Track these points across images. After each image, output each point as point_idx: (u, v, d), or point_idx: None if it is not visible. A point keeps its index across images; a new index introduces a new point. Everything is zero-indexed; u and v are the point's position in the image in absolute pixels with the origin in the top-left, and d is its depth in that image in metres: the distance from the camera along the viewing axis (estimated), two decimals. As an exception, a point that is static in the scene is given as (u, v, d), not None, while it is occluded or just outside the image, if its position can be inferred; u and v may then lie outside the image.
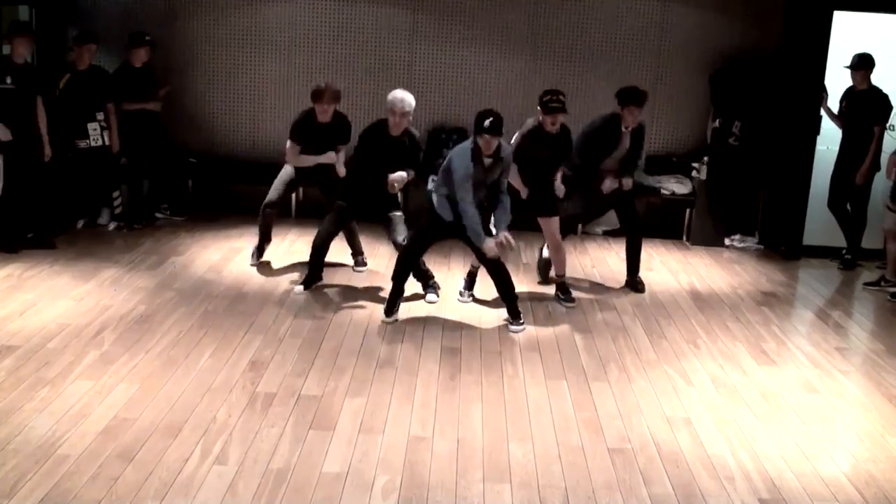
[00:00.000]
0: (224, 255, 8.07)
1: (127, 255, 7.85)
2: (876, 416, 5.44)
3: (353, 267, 7.80)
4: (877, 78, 8.62)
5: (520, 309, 6.64)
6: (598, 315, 7.02)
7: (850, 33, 8.83)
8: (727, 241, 9.43)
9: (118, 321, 6.24)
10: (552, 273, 7.47)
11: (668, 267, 8.56)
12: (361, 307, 6.87)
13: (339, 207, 7.19)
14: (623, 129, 7.40)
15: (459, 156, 6.35)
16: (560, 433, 4.93)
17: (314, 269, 7.21)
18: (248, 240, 8.54)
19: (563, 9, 9.58)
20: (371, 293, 7.22)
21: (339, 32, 9.60)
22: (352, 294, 7.18)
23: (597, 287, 7.78)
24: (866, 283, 8.24)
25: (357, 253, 7.85)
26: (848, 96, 8.69)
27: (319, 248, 7.16)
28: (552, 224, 7.24)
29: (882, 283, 8.09)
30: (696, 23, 9.59)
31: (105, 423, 4.70)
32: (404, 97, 6.95)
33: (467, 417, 5.05)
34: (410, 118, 7.05)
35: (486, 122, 6.23)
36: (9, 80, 7.60)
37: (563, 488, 4.34)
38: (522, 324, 6.59)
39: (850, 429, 5.23)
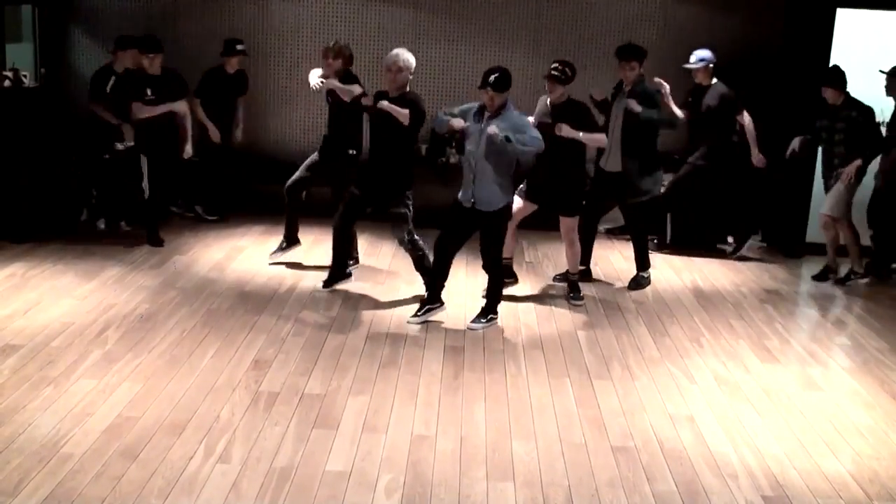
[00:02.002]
0: (227, 253, 8.07)
1: (130, 254, 7.85)
2: (879, 413, 5.43)
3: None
4: (879, 76, 8.62)
5: (496, 312, 6.59)
6: (601, 313, 7.02)
7: (852, 30, 8.81)
8: (729, 239, 9.41)
9: (121, 320, 6.25)
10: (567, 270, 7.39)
11: (671, 265, 8.55)
12: (365, 306, 6.87)
13: (350, 196, 7.04)
14: (623, 88, 7.57)
15: (470, 105, 6.51)
16: (563, 431, 4.93)
17: (339, 266, 7.20)
18: (251, 238, 8.57)
19: (565, 7, 9.58)
20: (374, 292, 7.22)
21: (340, 32, 9.59)
22: (355, 293, 7.18)
23: (600, 285, 7.78)
24: (814, 277, 8.25)
25: (351, 256, 7.71)
26: (694, 92, 8.64)
27: (341, 242, 7.13)
28: (569, 222, 7.18)
29: (852, 276, 8.14)
30: (697, 20, 9.58)
31: (109, 422, 4.71)
32: (397, 52, 6.85)
33: (470, 416, 5.06)
34: (408, 76, 6.85)
35: (491, 77, 6.20)
36: (149, 92, 7.92)
37: (566, 486, 4.34)
38: (486, 323, 6.53)
39: (854, 426, 5.22)
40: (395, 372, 5.63)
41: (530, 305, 7.06)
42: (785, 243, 9.15)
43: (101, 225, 8.69)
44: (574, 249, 7.29)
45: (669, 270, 8.34)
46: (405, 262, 8.09)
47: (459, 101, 9.60)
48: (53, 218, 8.41)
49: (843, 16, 8.80)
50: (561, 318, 6.85)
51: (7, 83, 8.67)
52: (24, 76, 8.85)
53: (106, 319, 6.25)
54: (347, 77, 7.40)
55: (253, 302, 6.81)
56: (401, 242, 7.06)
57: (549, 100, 7.01)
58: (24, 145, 8.26)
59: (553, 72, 6.85)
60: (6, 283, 6.89)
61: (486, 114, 6.34)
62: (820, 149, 8.26)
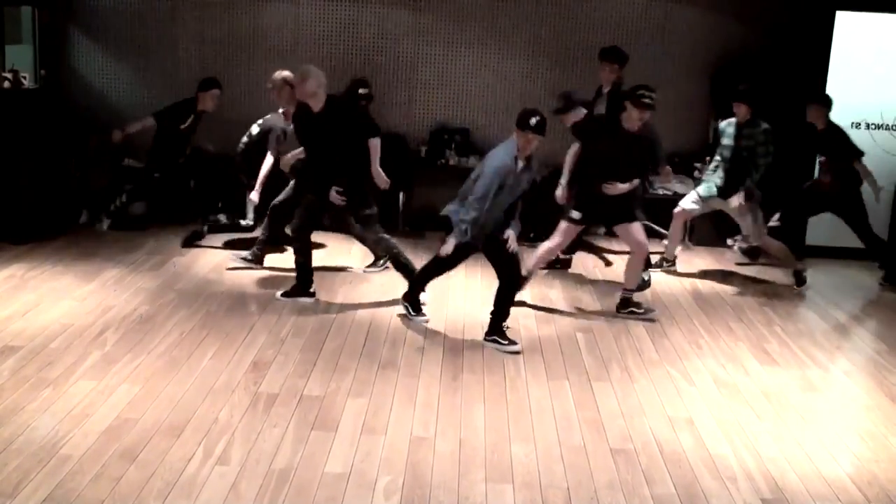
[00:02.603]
0: (226, 255, 8.07)
1: (129, 255, 7.85)
2: (879, 416, 5.43)
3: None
4: (878, 78, 8.65)
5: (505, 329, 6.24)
6: (599, 315, 7.02)
7: (852, 33, 8.82)
8: (729, 242, 9.41)
9: (120, 322, 6.25)
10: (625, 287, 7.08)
11: (669, 267, 8.55)
12: (364, 308, 6.87)
13: (308, 202, 6.91)
14: (603, 93, 7.59)
15: (503, 149, 6.03)
16: (562, 433, 4.93)
17: (305, 275, 6.98)
18: (250, 239, 8.56)
19: (565, 9, 9.58)
20: (374, 293, 7.22)
21: (341, 33, 9.60)
22: (354, 295, 7.19)
23: (599, 286, 7.78)
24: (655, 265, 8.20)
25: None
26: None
27: (304, 252, 6.95)
28: (633, 230, 6.89)
29: (664, 264, 8.22)
30: (697, 23, 9.59)
31: (107, 424, 4.71)
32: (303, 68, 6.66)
33: (469, 418, 5.06)
34: (307, 90, 6.50)
35: (533, 120, 5.88)
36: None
37: (565, 488, 4.34)
38: (504, 344, 6.17)
39: (853, 429, 5.22)
40: (395, 373, 5.63)
41: (529, 308, 7.06)
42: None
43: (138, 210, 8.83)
44: (642, 261, 7.06)
45: (669, 273, 8.34)
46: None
47: (460, 104, 9.72)
48: (53, 219, 8.42)
49: (843, 18, 8.81)
50: (560, 320, 6.85)
51: (6, 84, 8.67)
52: (24, 77, 8.85)
53: (105, 321, 6.25)
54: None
55: (252, 303, 6.81)
56: (363, 241, 7.04)
57: (631, 127, 6.68)
58: (24, 147, 8.27)
59: (647, 100, 6.55)
60: (5, 285, 6.89)
61: (519, 162, 6.01)
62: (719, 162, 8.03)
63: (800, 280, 8.09)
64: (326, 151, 6.68)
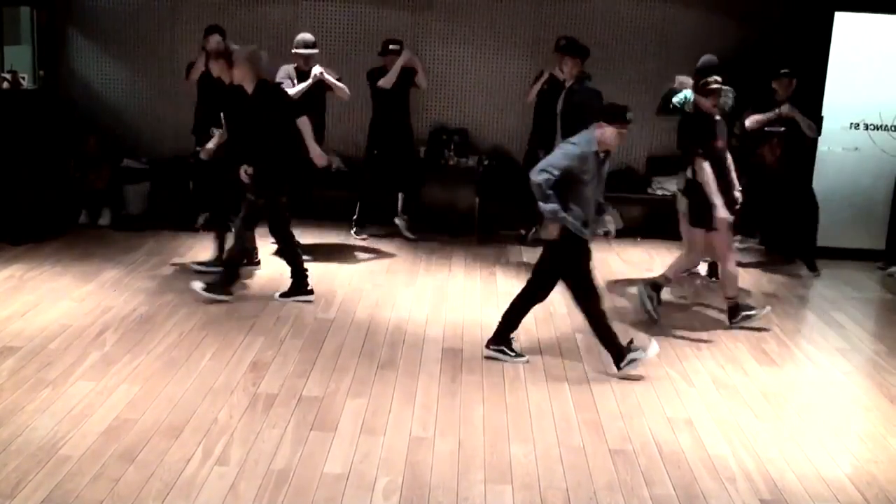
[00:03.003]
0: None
1: (128, 256, 7.85)
2: (877, 416, 5.44)
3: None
4: (876, 79, 8.65)
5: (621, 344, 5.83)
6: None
7: (851, 34, 8.83)
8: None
9: (119, 322, 6.25)
10: (727, 293, 6.86)
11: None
12: (363, 308, 6.87)
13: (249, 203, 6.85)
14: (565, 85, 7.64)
15: (583, 140, 5.70)
16: (561, 434, 4.93)
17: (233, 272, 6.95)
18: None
19: (564, 9, 9.59)
20: (372, 294, 7.22)
21: (340, 33, 9.60)
22: (353, 296, 7.18)
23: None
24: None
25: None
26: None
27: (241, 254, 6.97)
28: (718, 238, 6.73)
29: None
30: (696, 23, 9.60)
31: (106, 424, 4.70)
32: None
33: (468, 418, 5.06)
34: (236, 76, 6.65)
35: (629, 115, 5.68)
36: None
37: (564, 489, 4.34)
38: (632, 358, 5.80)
39: (852, 430, 5.22)
40: (394, 374, 5.63)
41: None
42: (784, 247, 9.15)
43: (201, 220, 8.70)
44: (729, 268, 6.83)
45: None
46: (404, 263, 8.12)
47: (459, 104, 9.71)
48: (52, 220, 8.42)
49: (841, 19, 8.81)
50: (559, 321, 6.84)
51: (5, 85, 8.67)
52: (23, 78, 8.85)
53: (104, 321, 6.24)
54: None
55: (251, 304, 6.81)
56: (237, 235, 6.93)
57: (713, 112, 6.72)
58: (23, 147, 8.27)
59: (714, 85, 6.64)
60: (4, 285, 6.89)
61: (601, 154, 5.79)
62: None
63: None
64: (252, 133, 6.71)
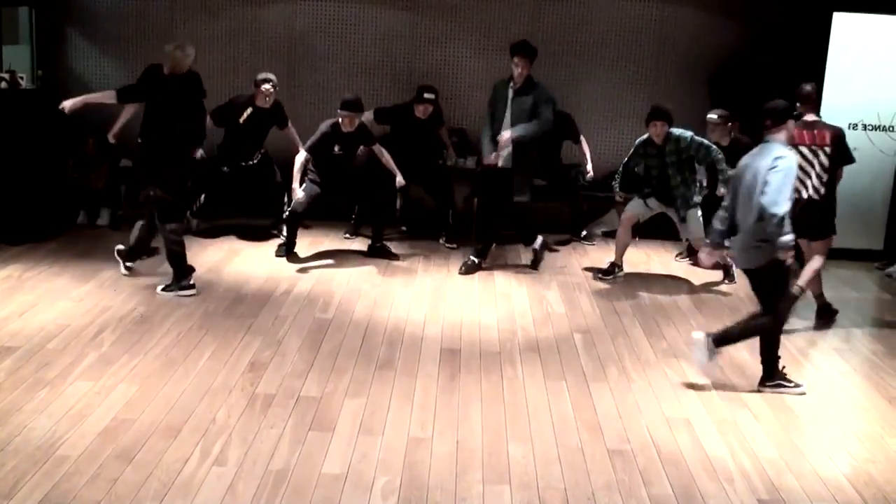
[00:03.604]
0: (224, 256, 8.08)
1: (126, 256, 7.84)
2: (875, 417, 5.44)
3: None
4: (874, 79, 8.65)
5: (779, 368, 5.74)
6: (597, 316, 7.02)
7: (849, 35, 8.83)
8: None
9: (118, 322, 6.24)
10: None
11: (668, 268, 8.56)
12: (361, 308, 6.87)
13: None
14: (510, 86, 7.62)
15: (782, 150, 5.46)
16: (559, 434, 4.93)
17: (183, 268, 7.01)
18: (247, 242, 8.56)
19: (563, 9, 9.60)
20: (371, 294, 7.22)
21: (339, 33, 9.60)
22: (352, 296, 7.18)
23: (596, 288, 7.78)
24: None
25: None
26: None
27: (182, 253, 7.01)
28: (823, 247, 7.05)
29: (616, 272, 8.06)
30: (695, 23, 9.61)
31: (104, 424, 4.70)
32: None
33: (467, 418, 5.06)
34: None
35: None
36: (337, 149, 8.02)
37: (562, 489, 4.34)
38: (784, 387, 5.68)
39: (850, 430, 5.23)
40: (392, 374, 5.63)
41: (527, 308, 7.06)
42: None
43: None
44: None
45: (666, 273, 8.34)
46: (402, 263, 8.12)
47: (457, 104, 9.71)
48: (50, 220, 8.42)
49: (840, 20, 8.82)
50: (557, 321, 6.85)
51: (4, 85, 8.67)
52: (21, 78, 8.84)
53: (102, 321, 6.24)
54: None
55: (249, 304, 6.81)
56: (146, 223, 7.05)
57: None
58: (21, 147, 8.26)
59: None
60: (2, 285, 6.89)
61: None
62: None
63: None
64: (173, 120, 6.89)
